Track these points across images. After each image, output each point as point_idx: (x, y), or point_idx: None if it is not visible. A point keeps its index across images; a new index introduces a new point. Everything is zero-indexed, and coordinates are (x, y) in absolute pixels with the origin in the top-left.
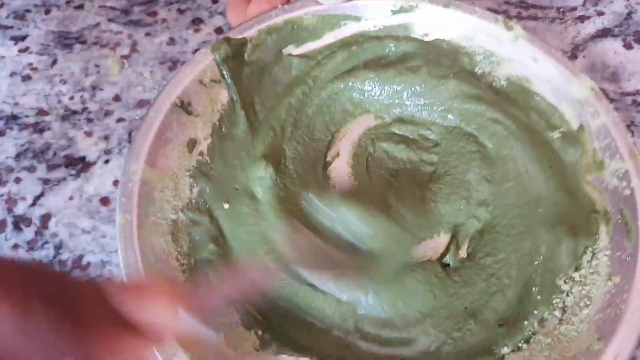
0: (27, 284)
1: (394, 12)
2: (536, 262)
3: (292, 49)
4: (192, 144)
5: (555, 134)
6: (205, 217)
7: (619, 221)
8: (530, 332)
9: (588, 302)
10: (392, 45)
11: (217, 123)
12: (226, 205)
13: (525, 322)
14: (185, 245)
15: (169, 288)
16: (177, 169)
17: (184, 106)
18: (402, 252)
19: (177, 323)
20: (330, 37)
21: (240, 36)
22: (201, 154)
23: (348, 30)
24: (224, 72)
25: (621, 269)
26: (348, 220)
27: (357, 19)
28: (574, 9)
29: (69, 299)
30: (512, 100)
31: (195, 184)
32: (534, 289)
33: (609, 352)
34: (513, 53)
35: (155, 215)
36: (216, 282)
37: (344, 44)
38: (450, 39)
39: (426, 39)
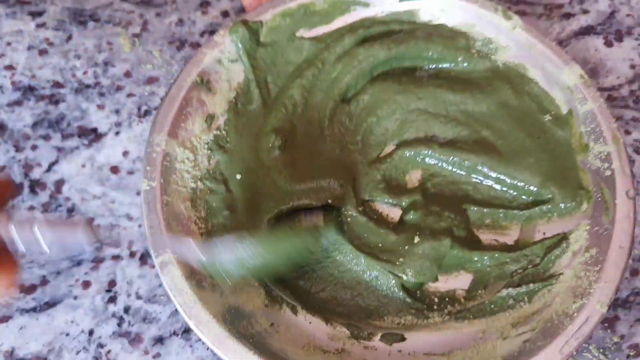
0: None
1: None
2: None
3: (304, 32)
4: (210, 118)
5: (547, 117)
6: (222, 186)
7: (599, 199)
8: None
9: (566, 271)
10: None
11: (234, 100)
12: (238, 176)
13: None
14: (203, 210)
15: None
16: (197, 142)
17: (203, 83)
18: None
19: None
20: (340, 22)
21: (256, 19)
22: (218, 128)
23: (357, 15)
24: (241, 53)
25: (598, 242)
26: None
27: (365, 5)
28: (560, 6)
29: None
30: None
31: (212, 156)
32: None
33: (583, 314)
34: (510, 41)
35: (176, 183)
36: None
37: (352, 28)
38: (453, 25)
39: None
